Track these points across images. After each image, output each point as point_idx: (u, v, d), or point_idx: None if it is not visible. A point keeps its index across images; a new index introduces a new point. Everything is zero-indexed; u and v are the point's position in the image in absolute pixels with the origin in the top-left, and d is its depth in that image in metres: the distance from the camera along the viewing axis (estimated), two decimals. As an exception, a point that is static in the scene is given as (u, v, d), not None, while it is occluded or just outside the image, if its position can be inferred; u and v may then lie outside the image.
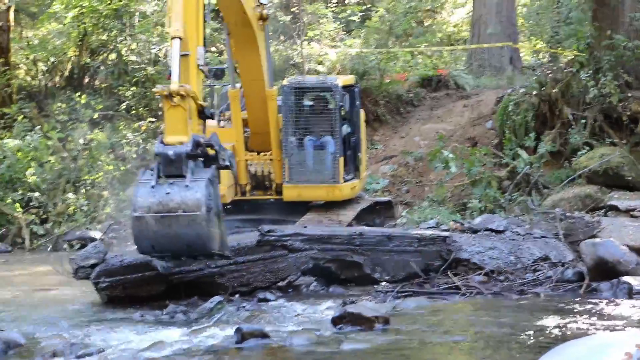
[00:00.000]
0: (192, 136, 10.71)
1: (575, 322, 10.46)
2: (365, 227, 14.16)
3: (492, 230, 14.01)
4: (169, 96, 10.62)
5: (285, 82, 15.89)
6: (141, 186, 10.64)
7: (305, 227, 13.77)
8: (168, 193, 10.48)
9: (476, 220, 14.95)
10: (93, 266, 12.91)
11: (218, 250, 10.91)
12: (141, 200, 10.54)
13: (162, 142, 10.74)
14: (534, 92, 20.45)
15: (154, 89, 11.12)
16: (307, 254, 13.21)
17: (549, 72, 20.71)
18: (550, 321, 10.49)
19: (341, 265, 13.39)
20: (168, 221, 10.46)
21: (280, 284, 13.25)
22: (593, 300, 11.74)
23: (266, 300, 12.36)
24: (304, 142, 15.49)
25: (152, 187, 10.55)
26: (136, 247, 10.87)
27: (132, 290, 12.74)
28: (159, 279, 12.61)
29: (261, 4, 14.41)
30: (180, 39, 10.84)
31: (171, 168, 10.61)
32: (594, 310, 11.16)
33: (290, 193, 15.32)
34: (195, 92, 10.98)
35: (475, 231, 14.01)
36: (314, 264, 13.25)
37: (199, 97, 11.19)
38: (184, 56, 10.88)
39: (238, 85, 15.38)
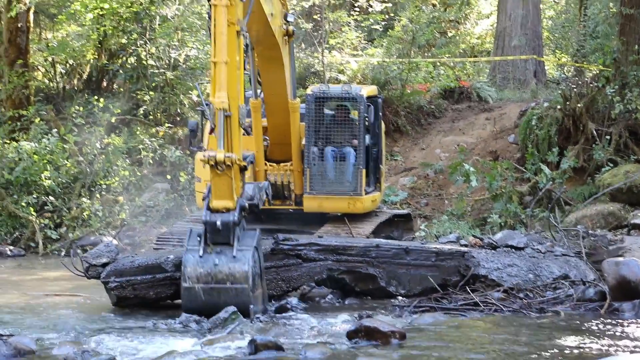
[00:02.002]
0: (238, 202, 11.48)
1: (596, 342, 10.28)
2: (382, 240, 13.96)
3: (512, 246, 13.79)
4: (215, 165, 11.27)
5: (309, 90, 15.76)
6: (189, 254, 11.42)
7: (321, 237, 13.57)
8: (216, 264, 11.32)
9: (496, 236, 14.76)
10: (104, 265, 12.96)
11: (260, 310, 11.72)
12: (190, 270, 11.36)
13: (208, 207, 11.47)
14: (558, 107, 20.28)
15: (200, 157, 11.97)
16: (321, 264, 13.06)
17: (574, 86, 20.55)
18: (570, 341, 10.34)
19: (356, 277, 13.22)
20: (216, 292, 11.34)
21: (293, 293, 13.15)
22: (615, 321, 11.53)
23: (281, 311, 12.18)
24: (325, 153, 15.32)
25: (200, 256, 11.35)
26: (183, 309, 11.57)
27: (142, 292, 12.78)
28: (169, 281, 12.65)
29: (287, 21, 14.29)
30: (224, 109, 11.35)
31: (218, 237, 11.38)
32: (615, 331, 10.95)
33: (311, 204, 15.18)
34: (239, 157, 11.60)
35: (494, 247, 13.80)
36: (328, 274, 13.10)
37: (240, 156, 11.74)
38: (226, 116, 11.42)
39: (259, 94, 15.22)
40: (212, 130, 11.75)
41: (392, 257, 13.18)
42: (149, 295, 12.77)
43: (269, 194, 13.10)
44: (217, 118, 11.42)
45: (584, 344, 10.15)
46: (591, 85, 20.16)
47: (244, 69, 12.45)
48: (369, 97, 15.67)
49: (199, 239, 11.43)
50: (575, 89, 20.34)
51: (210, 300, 11.30)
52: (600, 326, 11.25)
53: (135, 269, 12.76)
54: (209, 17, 11.73)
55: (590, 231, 15.72)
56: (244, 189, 12.10)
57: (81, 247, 19.83)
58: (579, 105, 19.81)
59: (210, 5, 11.70)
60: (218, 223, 11.30)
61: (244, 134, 13.27)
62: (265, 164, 15.54)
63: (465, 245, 13.87)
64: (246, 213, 11.71)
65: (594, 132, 19.49)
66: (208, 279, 11.32)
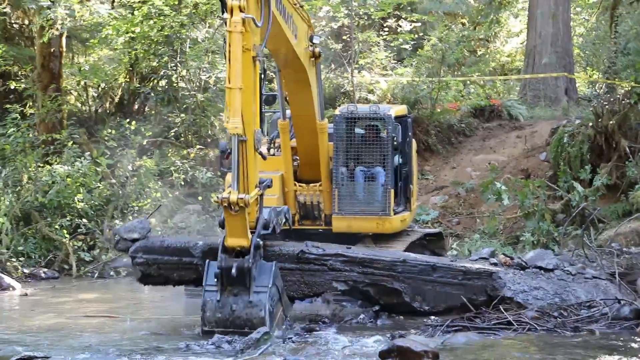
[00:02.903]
0: (252, 241, 11.76)
1: (633, 361, 10.16)
2: (410, 255, 13.86)
3: (541, 268, 13.64)
4: (229, 206, 11.51)
5: (337, 111, 15.74)
6: (208, 295, 11.80)
7: (349, 248, 13.52)
8: (234, 310, 11.67)
9: (527, 256, 14.58)
10: (134, 240, 13.26)
11: (281, 334, 11.89)
12: (209, 315, 11.77)
13: (223, 247, 11.78)
14: (590, 124, 20.15)
15: (213, 199, 12.28)
16: (346, 274, 13.03)
17: (606, 103, 20.41)
18: (605, 360, 10.21)
19: (380, 290, 13.19)
20: (236, 334, 11.54)
21: (314, 298, 13.37)
22: (651, 339, 11.40)
23: (313, 330, 12.15)
24: (354, 173, 15.29)
25: (218, 300, 11.72)
26: None
27: (166, 272, 13.19)
28: (194, 267, 12.97)
29: (313, 43, 14.32)
30: (238, 135, 11.51)
31: (234, 281, 11.68)
32: (651, 350, 10.82)
33: (340, 224, 15.13)
34: (253, 204, 11.86)
35: (523, 267, 13.65)
36: (353, 286, 13.07)
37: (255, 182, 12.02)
38: (241, 141, 11.61)
39: (288, 114, 15.26)
40: (228, 155, 11.89)
41: (418, 273, 13.13)
42: (172, 277, 13.20)
43: (289, 218, 13.28)
44: (231, 144, 11.60)
45: (620, 362, 10.08)
46: (623, 102, 20.02)
47: (261, 92, 12.56)
48: (398, 117, 15.61)
49: (216, 280, 11.70)
50: (607, 106, 20.21)
51: None
52: (636, 345, 11.15)
53: (164, 249, 13.12)
54: (225, 42, 11.80)
55: (624, 249, 15.56)
56: (261, 213, 12.30)
57: (114, 268, 19.95)
58: (611, 122, 19.68)
59: (225, 31, 11.81)
60: (233, 271, 11.59)
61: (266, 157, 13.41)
62: (295, 184, 15.53)
63: (495, 264, 13.77)
64: (261, 253, 11.98)
65: (627, 149, 19.34)
66: (227, 324, 11.67)
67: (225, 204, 11.50)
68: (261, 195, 12.29)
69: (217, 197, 11.62)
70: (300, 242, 13.49)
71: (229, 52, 11.56)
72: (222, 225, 12.04)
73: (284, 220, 13.08)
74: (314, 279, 13.02)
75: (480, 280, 13.15)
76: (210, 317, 11.72)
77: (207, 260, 12.06)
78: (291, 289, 12.88)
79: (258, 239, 11.89)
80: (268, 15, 12.04)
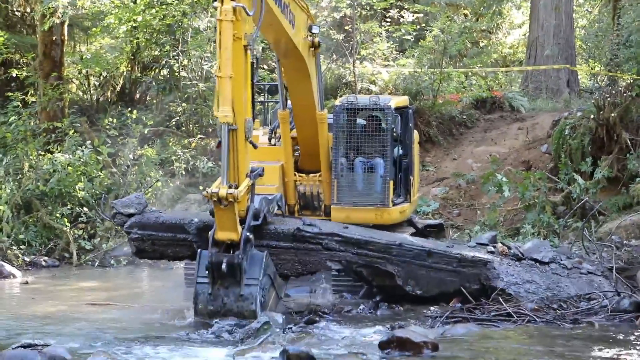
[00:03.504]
0: (242, 235, 11.79)
1: (631, 354, 10.24)
2: (407, 238, 13.88)
3: (536, 260, 13.64)
4: (218, 201, 11.53)
5: (337, 101, 15.72)
6: (200, 287, 11.85)
7: (346, 227, 13.54)
8: (225, 303, 11.76)
9: (525, 246, 14.57)
10: (130, 215, 13.36)
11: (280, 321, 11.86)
12: (201, 307, 11.86)
13: (214, 241, 11.79)
14: (592, 116, 20.12)
15: (203, 192, 12.06)
16: (341, 254, 13.07)
17: (607, 95, 20.38)
18: (605, 352, 10.31)
19: (374, 272, 13.25)
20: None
21: (308, 276, 13.42)
22: (650, 332, 11.41)
23: (313, 322, 12.16)
24: (354, 164, 15.28)
25: (210, 293, 11.78)
26: None
27: (161, 248, 13.30)
28: (188, 243, 13.06)
29: (313, 33, 14.30)
30: (228, 124, 11.53)
31: (225, 274, 11.72)
32: (651, 342, 10.84)
33: (339, 215, 15.12)
34: (244, 195, 11.89)
35: (519, 258, 13.66)
36: (346, 266, 13.13)
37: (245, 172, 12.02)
38: (232, 130, 11.62)
39: (288, 104, 15.24)
40: (218, 145, 11.88)
41: (413, 258, 13.20)
42: (166, 253, 13.32)
43: (282, 205, 13.30)
44: (222, 134, 11.60)
45: (619, 355, 10.10)
46: (625, 94, 19.99)
47: (252, 81, 12.56)
48: (399, 108, 15.58)
49: (207, 272, 11.75)
50: (608, 98, 20.18)
51: None
52: (635, 337, 11.15)
53: (159, 225, 13.22)
54: (215, 31, 11.80)
55: (624, 241, 15.57)
56: (252, 202, 12.32)
57: (115, 257, 19.96)
58: (612, 114, 19.65)
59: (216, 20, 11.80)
60: (223, 266, 11.64)
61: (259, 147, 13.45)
62: (295, 175, 15.54)
63: (492, 252, 13.78)
64: (251, 245, 11.98)
65: (628, 141, 19.33)
66: (218, 317, 11.74)
67: (215, 199, 11.56)
68: (253, 184, 12.28)
69: (206, 192, 11.66)
70: (297, 219, 13.57)
71: (220, 40, 11.58)
72: (213, 214, 12.04)
73: (276, 208, 13.12)
74: (309, 257, 13.08)
75: (475, 268, 13.22)
76: (202, 309, 11.83)
77: (199, 251, 12.08)
78: (285, 267, 12.97)
79: (248, 233, 11.92)
80: (261, 3, 12.02)
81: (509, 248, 14.06)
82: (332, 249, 13.09)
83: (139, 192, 15.20)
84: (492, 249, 13.98)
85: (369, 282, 13.38)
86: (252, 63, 12.42)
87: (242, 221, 12.06)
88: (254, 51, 12.25)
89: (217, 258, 11.73)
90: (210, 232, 11.95)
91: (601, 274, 13.53)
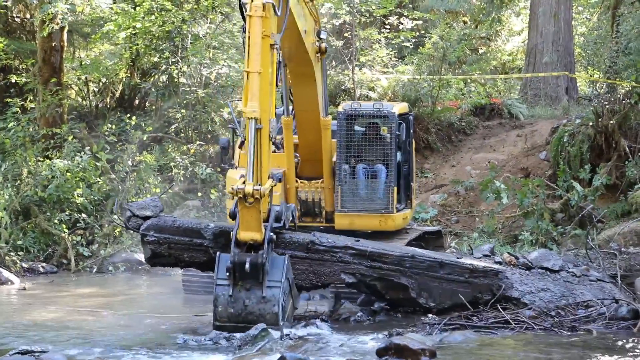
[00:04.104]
0: (266, 235, 11.52)
1: (630, 361, 10.16)
2: (418, 250, 13.81)
3: (546, 269, 13.58)
4: (244, 198, 11.22)
5: (340, 108, 15.68)
6: (219, 290, 11.52)
7: (358, 241, 13.48)
8: (246, 306, 11.45)
9: (531, 255, 14.52)
10: (146, 218, 13.14)
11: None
12: (221, 310, 11.53)
13: (236, 241, 11.49)
14: (590, 123, 20.14)
15: (228, 190, 11.82)
16: (355, 267, 12.96)
17: (606, 103, 20.40)
18: (603, 360, 10.20)
19: (387, 285, 13.11)
20: (247, 329, 11.30)
21: (321, 290, 13.27)
22: (648, 340, 11.39)
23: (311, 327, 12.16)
24: (357, 170, 15.27)
25: (230, 295, 11.45)
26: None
27: (176, 252, 13.03)
28: (204, 249, 12.87)
29: (320, 38, 14.31)
30: (256, 119, 11.29)
31: (247, 275, 11.44)
32: (648, 350, 10.83)
33: (342, 222, 15.11)
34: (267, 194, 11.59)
35: (529, 267, 13.60)
36: (360, 279, 13.00)
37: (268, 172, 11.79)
38: (257, 129, 11.37)
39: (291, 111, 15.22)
40: (242, 144, 11.70)
41: (425, 269, 13.06)
42: (182, 257, 13.03)
43: (295, 216, 13.16)
44: (247, 129, 11.39)
45: (617, 362, 10.08)
46: (624, 101, 20.02)
47: (276, 85, 12.40)
48: (400, 115, 15.62)
49: (227, 274, 11.47)
50: (607, 106, 20.20)
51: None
52: (633, 345, 11.13)
53: (175, 228, 13.00)
54: (244, 30, 11.76)
55: (623, 249, 15.55)
56: (271, 205, 12.12)
57: (113, 264, 19.96)
58: (611, 122, 19.67)
59: (245, 17, 11.74)
60: (247, 266, 11.38)
61: (274, 151, 13.36)
62: (296, 181, 15.53)
63: (500, 263, 13.73)
64: (273, 246, 11.77)
65: (627, 149, 19.34)
66: (239, 319, 11.46)
67: (241, 195, 11.29)
68: (271, 189, 12.14)
69: (232, 188, 11.35)
70: (307, 232, 13.48)
71: (249, 37, 11.51)
72: (232, 216, 11.80)
73: (291, 218, 13.00)
74: (323, 268, 12.92)
75: (487, 278, 13.09)
76: (222, 312, 11.50)
77: (218, 253, 11.84)
78: (300, 277, 12.77)
79: (271, 233, 11.66)
80: (286, 5, 12.05)
81: (517, 258, 13.99)
82: (346, 262, 12.98)
83: (154, 197, 14.96)
84: (499, 259, 13.92)
85: (382, 295, 13.23)
86: (278, 63, 12.28)
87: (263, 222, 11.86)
88: (279, 52, 12.12)
89: (240, 258, 11.43)
90: (232, 233, 11.67)
91: (609, 281, 13.51)
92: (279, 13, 11.83)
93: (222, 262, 11.60)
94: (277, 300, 11.43)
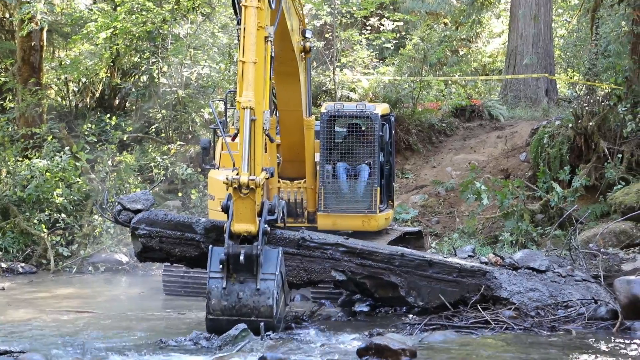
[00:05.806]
0: (260, 226, 11.35)
1: (608, 361, 10.20)
2: (407, 249, 13.81)
3: (533, 269, 13.60)
4: (238, 188, 11.10)
5: (323, 109, 15.68)
6: (213, 283, 11.34)
7: (347, 238, 13.47)
8: (240, 298, 11.28)
9: (517, 256, 14.53)
10: (137, 212, 13.00)
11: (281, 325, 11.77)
12: (215, 302, 11.33)
13: (230, 233, 11.31)
14: (570, 125, 20.21)
15: (223, 180, 11.47)
16: (345, 264, 12.94)
17: (586, 104, 20.48)
18: (581, 360, 10.24)
19: (377, 283, 13.07)
20: (241, 322, 11.18)
21: (311, 287, 13.21)
22: (626, 340, 11.44)
23: (291, 328, 12.14)
24: (340, 170, 15.26)
25: (224, 288, 11.27)
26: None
27: (168, 247, 12.88)
28: (195, 243, 12.75)
29: (305, 37, 14.30)
30: (251, 108, 11.19)
31: (241, 267, 11.26)
32: (626, 350, 10.88)
33: (325, 222, 15.11)
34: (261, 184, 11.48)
35: (515, 268, 13.62)
36: (350, 277, 12.96)
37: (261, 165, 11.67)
38: (251, 121, 11.25)
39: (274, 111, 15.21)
40: (235, 137, 11.62)
41: (415, 268, 13.03)
42: (173, 251, 12.88)
43: (284, 213, 13.07)
44: (242, 119, 11.30)
45: (596, 362, 10.11)
46: (603, 103, 20.09)
47: (270, 79, 12.36)
48: (382, 116, 15.64)
49: (221, 266, 11.30)
50: (587, 107, 20.27)
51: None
52: (612, 345, 11.18)
53: (167, 222, 12.87)
54: (238, 23, 11.73)
55: (602, 250, 15.61)
56: (263, 199, 12.01)
57: (93, 264, 19.89)
58: (590, 123, 19.75)
59: (239, 8, 11.72)
60: (241, 257, 11.22)
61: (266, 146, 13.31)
62: (279, 182, 15.51)
63: (486, 263, 13.75)
64: (267, 236, 11.64)
65: (606, 150, 19.41)
66: (232, 312, 11.29)
67: (235, 185, 11.19)
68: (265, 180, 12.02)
69: (227, 178, 11.23)
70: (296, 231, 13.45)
71: (244, 27, 11.48)
72: (225, 209, 11.62)
73: (281, 215, 12.92)
74: (313, 265, 12.85)
75: (475, 278, 13.08)
76: (215, 305, 11.31)
77: (211, 246, 11.71)
78: (291, 274, 12.68)
79: (265, 225, 11.52)
80: (279, 1, 12.08)
81: (502, 258, 14.02)
82: (336, 259, 12.94)
83: (145, 191, 14.83)
84: (485, 260, 13.93)
85: (371, 294, 13.20)
86: (271, 57, 12.20)
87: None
88: (272, 45, 12.04)
89: (235, 250, 11.27)
90: (226, 225, 11.50)
91: (595, 281, 13.55)
92: (273, 6, 11.82)
93: (215, 255, 11.45)
94: (271, 293, 11.28)
